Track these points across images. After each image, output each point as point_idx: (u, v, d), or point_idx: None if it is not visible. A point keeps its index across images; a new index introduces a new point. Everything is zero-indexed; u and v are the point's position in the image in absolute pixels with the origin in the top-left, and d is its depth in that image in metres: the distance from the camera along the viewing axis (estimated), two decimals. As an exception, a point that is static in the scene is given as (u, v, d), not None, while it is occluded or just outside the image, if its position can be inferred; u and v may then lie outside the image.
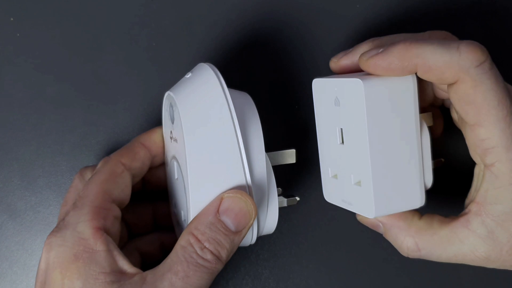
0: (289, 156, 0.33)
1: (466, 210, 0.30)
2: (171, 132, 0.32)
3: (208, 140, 0.29)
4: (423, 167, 0.30)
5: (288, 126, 0.38)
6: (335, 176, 0.32)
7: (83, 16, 0.37)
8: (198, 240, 0.28)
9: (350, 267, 0.38)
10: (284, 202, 0.33)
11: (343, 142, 0.31)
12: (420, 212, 0.31)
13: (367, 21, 0.37)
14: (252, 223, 0.30)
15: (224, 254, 0.29)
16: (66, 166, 0.37)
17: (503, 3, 0.38)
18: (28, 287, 0.37)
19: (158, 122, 0.37)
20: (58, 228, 0.29)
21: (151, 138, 0.34)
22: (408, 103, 0.29)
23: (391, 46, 0.28)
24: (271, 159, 0.32)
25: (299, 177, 0.38)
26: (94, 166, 0.33)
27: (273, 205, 0.31)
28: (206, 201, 0.29)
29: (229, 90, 0.30)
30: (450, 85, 0.28)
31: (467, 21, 0.37)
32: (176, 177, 0.32)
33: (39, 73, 0.37)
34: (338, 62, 0.32)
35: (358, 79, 0.28)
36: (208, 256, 0.28)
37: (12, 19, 0.37)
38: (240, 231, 0.29)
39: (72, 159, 0.37)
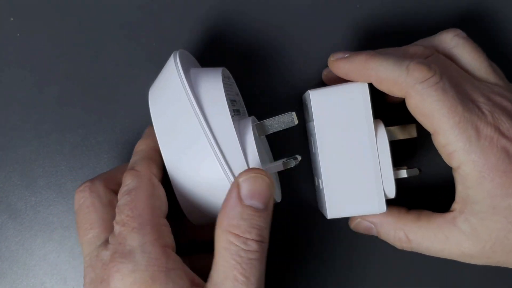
0: (288, 119, 0.32)
1: (452, 208, 0.31)
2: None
3: (170, 121, 0.30)
4: (381, 174, 0.31)
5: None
6: (317, 186, 0.35)
7: (83, 16, 0.37)
8: (238, 236, 0.27)
9: (349, 268, 0.38)
10: (281, 166, 0.31)
11: (314, 151, 0.33)
12: (408, 208, 0.33)
13: (367, 21, 0.37)
14: (274, 190, 0.29)
15: (266, 234, 0.28)
16: (66, 166, 0.37)
17: (504, 4, 0.38)
18: (28, 287, 0.37)
19: (158, 122, 0.37)
20: (120, 255, 0.27)
21: None
22: (359, 111, 0.31)
23: (355, 55, 0.31)
24: (267, 127, 0.32)
25: (300, 182, 0.38)
26: (100, 181, 0.31)
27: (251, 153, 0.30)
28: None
29: (194, 69, 0.32)
30: (405, 99, 0.30)
31: (467, 21, 0.37)
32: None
33: (39, 73, 0.37)
34: (332, 68, 0.33)
35: (309, 90, 0.31)
36: (254, 246, 0.27)
37: (12, 19, 0.37)
38: (268, 205, 0.29)
39: (72, 159, 0.37)
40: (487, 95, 0.30)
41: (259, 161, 0.30)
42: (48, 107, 0.37)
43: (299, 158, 0.31)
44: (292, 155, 0.31)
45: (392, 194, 0.31)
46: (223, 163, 0.29)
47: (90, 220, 0.30)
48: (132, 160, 0.31)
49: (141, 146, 0.32)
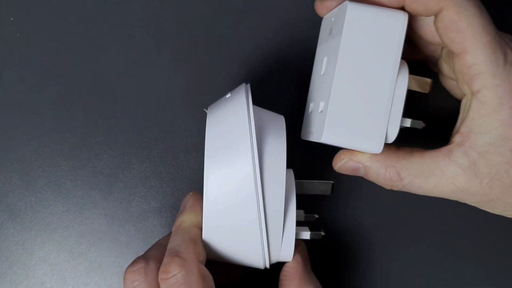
0: (325, 188, 0.33)
1: (449, 142, 0.30)
2: None
3: (224, 158, 0.29)
4: (389, 115, 0.29)
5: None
6: (311, 111, 0.32)
7: (83, 16, 0.37)
8: None
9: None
10: (307, 234, 0.32)
11: (324, 72, 0.31)
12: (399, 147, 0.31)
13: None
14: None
15: None
16: (66, 166, 0.37)
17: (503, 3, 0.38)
18: (28, 287, 0.37)
19: (158, 122, 0.37)
20: None
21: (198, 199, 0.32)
22: (392, 42, 0.29)
23: None
24: (304, 187, 0.32)
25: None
26: (155, 262, 0.29)
27: (290, 231, 0.30)
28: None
29: (262, 111, 0.30)
30: (436, 16, 0.29)
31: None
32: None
33: (39, 73, 0.37)
34: (324, 2, 0.32)
35: (347, 1, 0.28)
36: None
37: (12, 19, 0.37)
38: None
39: (72, 159, 0.37)
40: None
41: (295, 230, 0.30)
42: (48, 107, 0.37)
43: (323, 233, 0.32)
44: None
45: (392, 138, 0.30)
46: (265, 246, 0.29)
47: None
48: (174, 241, 0.29)
49: (183, 224, 0.30)
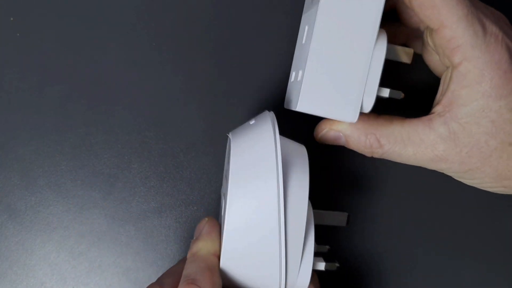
0: (340, 218, 0.33)
1: (430, 113, 0.30)
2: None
3: (249, 187, 0.29)
4: (366, 84, 0.29)
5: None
6: (293, 80, 0.32)
7: (83, 16, 0.37)
8: None
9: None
10: (322, 265, 0.32)
11: (304, 42, 0.31)
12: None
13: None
14: None
15: None
16: (66, 166, 0.37)
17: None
18: (28, 287, 0.37)
19: (157, 122, 0.37)
20: None
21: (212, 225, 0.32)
22: (369, 11, 0.28)
23: None
24: (321, 218, 0.32)
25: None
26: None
27: (307, 263, 0.30)
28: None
29: (285, 140, 0.30)
30: None
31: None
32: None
33: (39, 73, 0.37)
34: None
35: None
36: None
37: (12, 19, 0.37)
38: None
39: (72, 159, 0.37)
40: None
41: (312, 261, 0.30)
42: (48, 107, 0.37)
43: (338, 265, 0.32)
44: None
45: (368, 108, 0.30)
46: (283, 276, 0.29)
47: None
48: (190, 268, 0.29)
49: (200, 251, 0.30)
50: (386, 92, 0.31)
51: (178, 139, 0.37)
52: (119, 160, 0.37)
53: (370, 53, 0.29)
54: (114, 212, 0.37)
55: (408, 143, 0.30)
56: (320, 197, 0.34)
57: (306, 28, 0.31)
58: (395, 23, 0.34)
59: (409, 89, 0.35)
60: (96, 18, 0.37)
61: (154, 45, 0.37)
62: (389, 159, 0.31)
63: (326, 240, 0.34)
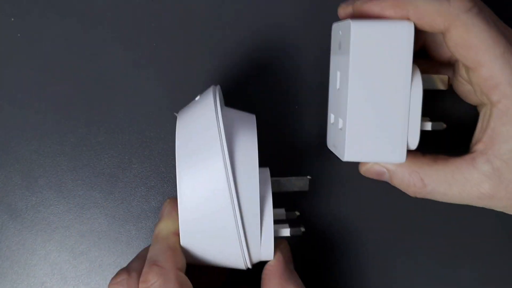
0: (301, 183, 0.33)
1: (472, 151, 0.30)
2: None
3: (196, 162, 0.29)
4: (408, 123, 0.29)
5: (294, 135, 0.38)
6: (333, 123, 0.33)
7: (83, 16, 0.37)
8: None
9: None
10: (287, 231, 0.32)
11: (339, 87, 0.31)
12: (423, 153, 0.31)
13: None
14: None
15: None
16: (67, 166, 0.37)
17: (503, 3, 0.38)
18: (29, 287, 0.37)
19: (157, 122, 0.37)
20: None
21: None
22: (401, 52, 0.29)
23: None
24: (281, 185, 0.32)
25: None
26: (136, 274, 0.29)
27: (268, 231, 0.30)
28: None
29: (231, 111, 0.30)
30: (445, 34, 0.29)
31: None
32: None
33: (39, 73, 0.37)
34: (346, 8, 0.32)
35: (349, 19, 0.29)
36: None
37: (12, 19, 0.37)
38: None
39: (73, 159, 0.37)
40: None
41: (273, 228, 0.30)
42: (49, 107, 0.37)
43: (303, 229, 0.32)
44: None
45: (414, 145, 0.30)
46: (244, 247, 0.29)
47: None
48: (153, 250, 0.30)
49: (162, 232, 0.31)
50: (428, 126, 0.31)
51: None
52: (119, 160, 0.37)
53: (408, 92, 0.29)
54: (115, 212, 0.37)
55: (453, 183, 0.30)
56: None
57: (339, 73, 0.31)
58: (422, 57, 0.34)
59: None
60: (96, 18, 0.37)
61: (154, 45, 0.37)
62: (434, 199, 0.31)
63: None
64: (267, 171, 0.31)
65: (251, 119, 0.31)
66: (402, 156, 0.30)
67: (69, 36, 0.37)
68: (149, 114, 0.37)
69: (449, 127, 0.32)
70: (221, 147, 0.28)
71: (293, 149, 0.37)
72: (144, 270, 0.28)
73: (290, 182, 0.33)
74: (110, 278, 0.29)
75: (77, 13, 0.37)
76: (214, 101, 0.29)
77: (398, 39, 0.28)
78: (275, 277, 0.31)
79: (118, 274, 0.29)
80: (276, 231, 0.30)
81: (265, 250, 0.30)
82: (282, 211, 0.33)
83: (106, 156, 0.37)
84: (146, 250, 0.31)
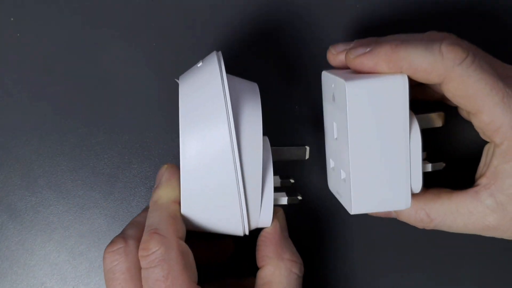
0: (300, 152, 0.34)
1: (475, 184, 0.31)
2: None
3: (200, 128, 0.29)
4: (410, 170, 0.30)
5: (297, 119, 0.38)
6: (333, 168, 0.33)
7: (83, 16, 0.37)
8: (294, 261, 0.31)
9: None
10: (285, 200, 0.33)
11: (337, 137, 0.32)
12: (426, 187, 0.32)
13: (367, 21, 0.37)
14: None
15: None
16: (67, 166, 0.37)
17: (503, 4, 0.38)
18: (28, 287, 0.37)
19: (157, 123, 0.37)
20: None
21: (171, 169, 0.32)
22: (397, 103, 0.29)
23: (378, 47, 0.29)
24: (280, 154, 0.33)
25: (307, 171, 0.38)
26: (134, 241, 0.29)
27: (268, 199, 0.30)
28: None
29: (235, 79, 0.30)
30: (441, 85, 0.29)
31: (468, 20, 0.38)
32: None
33: (39, 73, 0.37)
34: (337, 56, 0.32)
35: (342, 79, 0.29)
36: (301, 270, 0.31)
37: (12, 19, 0.37)
38: None
39: (73, 159, 0.37)
40: None
41: (273, 195, 0.30)
42: (48, 107, 0.37)
43: (300, 198, 0.33)
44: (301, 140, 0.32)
45: (418, 189, 0.31)
46: (244, 213, 0.29)
47: None
48: (152, 217, 0.29)
49: (161, 199, 0.30)
50: (428, 167, 0.32)
51: (178, 139, 0.37)
52: (119, 160, 0.37)
53: (408, 141, 0.29)
54: (115, 212, 0.37)
55: (458, 216, 0.31)
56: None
57: (335, 124, 0.32)
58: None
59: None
60: (96, 18, 0.37)
61: (154, 45, 0.37)
62: (441, 229, 0.32)
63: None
64: (267, 139, 0.32)
65: (255, 87, 0.31)
66: (407, 202, 0.30)
67: (69, 36, 0.37)
68: (149, 114, 0.37)
69: (449, 166, 0.33)
70: (227, 114, 0.28)
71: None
72: (144, 238, 0.28)
73: (289, 151, 0.33)
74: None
75: (77, 13, 0.37)
76: (219, 68, 0.29)
77: (394, 92, 0.29)
78: (271, 243, 0.31)
79: (113, 242, 0.29)
80: (274, 199, 0.31)
81: (263, 216, 0.30)
82: (277, 178, 0.33)
83: (106, 156, 0.37)
84: (141, 217, 0.31)
